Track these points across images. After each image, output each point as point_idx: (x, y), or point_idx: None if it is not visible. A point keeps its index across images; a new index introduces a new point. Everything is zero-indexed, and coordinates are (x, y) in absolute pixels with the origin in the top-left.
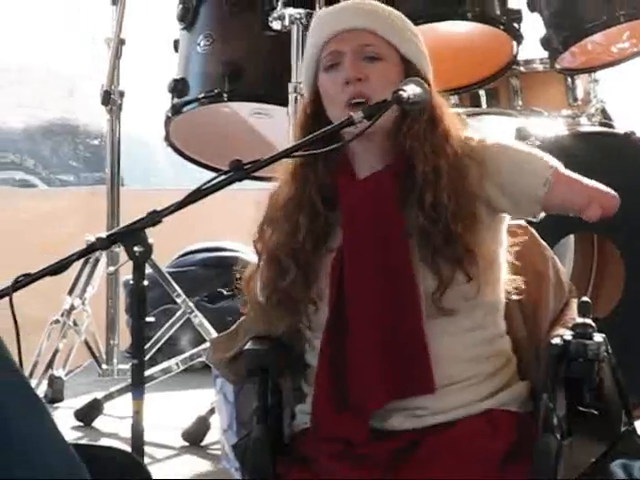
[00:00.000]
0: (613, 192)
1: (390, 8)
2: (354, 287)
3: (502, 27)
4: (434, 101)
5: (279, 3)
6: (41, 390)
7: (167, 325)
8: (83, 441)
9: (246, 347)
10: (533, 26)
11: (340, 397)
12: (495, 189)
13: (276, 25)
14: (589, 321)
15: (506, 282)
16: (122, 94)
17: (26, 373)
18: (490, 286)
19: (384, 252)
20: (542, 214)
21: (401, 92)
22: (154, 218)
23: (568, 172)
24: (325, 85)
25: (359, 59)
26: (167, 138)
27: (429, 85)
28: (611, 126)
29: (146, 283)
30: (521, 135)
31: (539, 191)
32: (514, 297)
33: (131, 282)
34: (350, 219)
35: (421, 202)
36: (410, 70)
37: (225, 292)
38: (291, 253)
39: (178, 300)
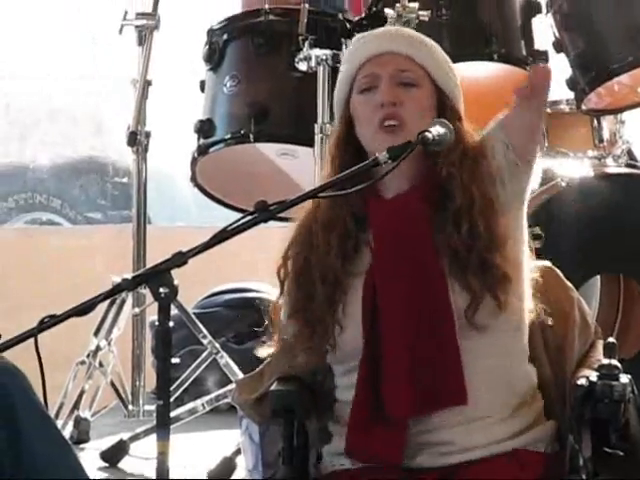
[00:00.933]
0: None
1: (429, 39)
2: (387, 305)
3: (528, 68)
4: (464, 131)
5: (305, 44)
6: (67, 431)
7: (193, 366)
8: None
9: (271, 388)
10: (559, 67)
11: (376, 413)
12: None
13: (302, 66)
14: (615, 362)
15: (530, 310)
16: (148, 135)
17: (52, 414)
18: (516, 299)
19: (416, 270)
20: (530, 159)
21: (426, 134)
22: (179, 259)
23: None
24: (358, 107)
25: (395, 84)
26: (193, 178)
27: (460, 117)
28: (637, 167)
29: (172, 324)
30: (547, 176)
31: (499, 133)
32: (538, 323)
33: (157, 323)
34: (380, 239)
35: (457, 227)
36: (443, 100)
37: (251, 332)
38: (320, 271)
39: (204, 341)
